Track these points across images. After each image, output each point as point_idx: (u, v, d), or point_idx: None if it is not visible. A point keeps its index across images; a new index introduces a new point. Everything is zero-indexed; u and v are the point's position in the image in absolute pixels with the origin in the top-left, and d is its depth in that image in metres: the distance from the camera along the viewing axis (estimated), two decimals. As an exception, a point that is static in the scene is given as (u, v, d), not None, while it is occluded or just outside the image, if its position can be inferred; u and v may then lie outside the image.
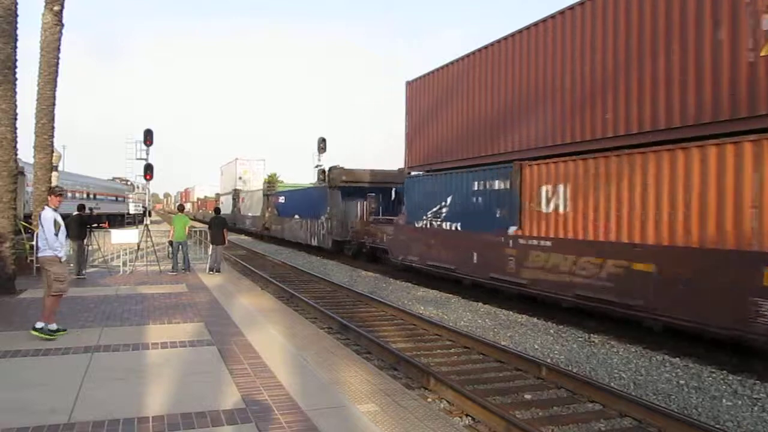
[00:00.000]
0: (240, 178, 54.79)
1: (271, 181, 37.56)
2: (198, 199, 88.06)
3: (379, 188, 24.58)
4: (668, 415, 6.20)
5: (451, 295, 15.05)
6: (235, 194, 52.07)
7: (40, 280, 8.93)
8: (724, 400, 7.24)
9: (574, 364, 8.76)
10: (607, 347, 9.72)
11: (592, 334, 10.56)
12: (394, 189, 23.50)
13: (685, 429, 5.93)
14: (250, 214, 45.13)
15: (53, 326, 7.72)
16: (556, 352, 9.45)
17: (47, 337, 7.44)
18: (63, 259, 7.92)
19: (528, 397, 7.22)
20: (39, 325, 7.54)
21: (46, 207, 8.17)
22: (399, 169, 24.04)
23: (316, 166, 36.78)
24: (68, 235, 14.76)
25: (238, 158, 56.40)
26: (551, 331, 10.92)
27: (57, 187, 9.22)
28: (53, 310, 7.75)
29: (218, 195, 65.80)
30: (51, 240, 7.74)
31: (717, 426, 6.28)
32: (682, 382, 7.94)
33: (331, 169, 26.55)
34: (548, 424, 6.26)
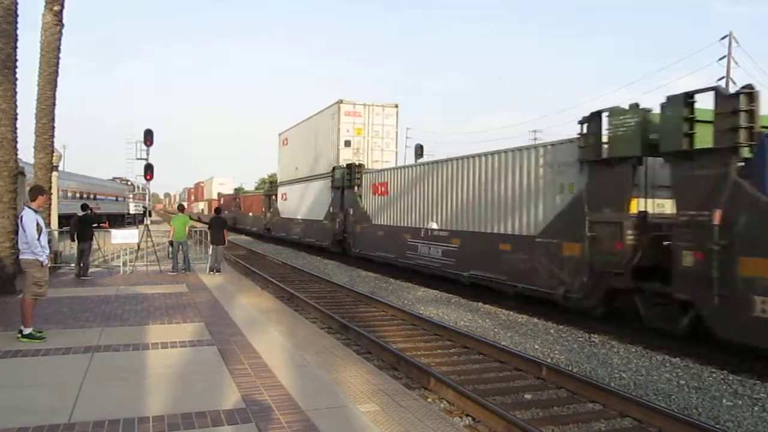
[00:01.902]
0: (347, 143, 25.57)
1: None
2: (219, 195, 60.87)
3: None
4: (668, 415, 6.20)
5: (451, 296, 15.06)
6: (345, 179, 23.69)
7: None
8: (724, 401, 7.24)
9: (574, 364, 8.76)
10: (607, 347, 9.72)
11: (592, 335, 10.56)
12: None
13: (686, 429, 5.93)
14: (437, 227, 16.81)
15: (28, 330, 7.42)
16: (556, 352, 9.45)
17: (38, 340, 7.31)
18: (45, 263, 7.63)
19: (528, 397, 7.22)
20: (26, 331, 7.39)
21: (26, 207, 7.79)
22: None
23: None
24: (72, 237, 14.92)
25: (342, 101, 25.93)
26: (551, 331, 10.93)
27: (39, 186, 8.97)
28: (31, 314, 7.48)
29: (273, 185, 39.40)
30: (33, 244, 7.48)
31: (717, 426, 6.28)
32: (682, 382, 7.94)
33: None
34: (548, 424, 6.26)
